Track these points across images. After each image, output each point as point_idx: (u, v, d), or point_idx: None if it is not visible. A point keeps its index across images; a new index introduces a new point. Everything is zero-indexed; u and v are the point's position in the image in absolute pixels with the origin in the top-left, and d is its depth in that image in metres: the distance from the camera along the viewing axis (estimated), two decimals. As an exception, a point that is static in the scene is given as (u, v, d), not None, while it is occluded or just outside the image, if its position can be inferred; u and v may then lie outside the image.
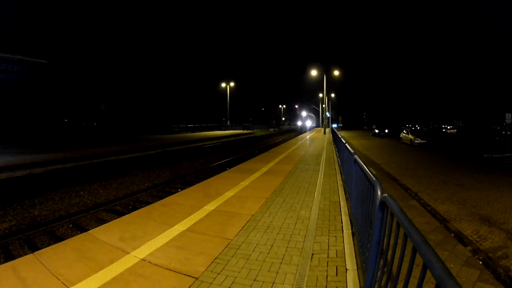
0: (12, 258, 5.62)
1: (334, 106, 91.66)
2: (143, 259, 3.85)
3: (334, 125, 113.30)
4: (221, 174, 10.42)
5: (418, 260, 1.56)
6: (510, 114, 21.45)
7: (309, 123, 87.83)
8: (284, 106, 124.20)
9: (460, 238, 6.11)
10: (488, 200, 8.89)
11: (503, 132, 24.23)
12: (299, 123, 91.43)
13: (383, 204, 2.50)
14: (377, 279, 2.58)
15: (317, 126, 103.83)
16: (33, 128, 31.21)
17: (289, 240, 4.50)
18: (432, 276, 1.30)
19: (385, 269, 2.46)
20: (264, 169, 10.88)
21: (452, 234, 6.34)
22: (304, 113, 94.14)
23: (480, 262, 5.06)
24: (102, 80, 70.08)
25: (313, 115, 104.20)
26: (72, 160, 14.84)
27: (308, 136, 34.07)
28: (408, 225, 1.81)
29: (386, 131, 49.08)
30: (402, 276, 1.91)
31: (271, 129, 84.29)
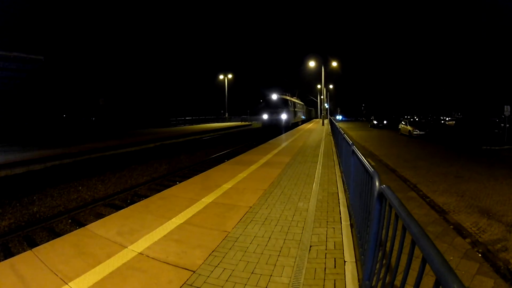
0: (12, 255, 5.60)
1: (333, 97, 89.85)
2: (140, 253, 3.83)
3: (339, 117, 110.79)
4: (219, 166, 10.39)
5: (418, 252, 1.54)
6: (509, 107, 21.43)
7: (285, 116, 37.81)
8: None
9: (459, 230, 6.10)
10: (487, 192, 8.88)
11: (502, 125, 24.17)
12: (265, 116, 38.51)
13: (381, 195, 2.47)
14: (376, 271, 2.56)
15: (311, 118, 79.11)
16: (31, 125, 31.17)
17: (287, 232, 4.48)
18: (431, 270, 1.27)
19: (384, 262, 2.44)
20: (262, 161, 10.86)
21: (451, 226, 6.33)
22: (274, 96, 39.28)
23: (480, 255, 5.06)
24: (99, 75, 69.86)
25: (300, 102, 53.42)
26: (71, 156, 14.79)
27: (305, 128, 33.99)
28: (407, 217, 1.78)
29: (385, 122, 49.24)
30: (401, 269, 1.89)
31: (269, 121, 77.32)
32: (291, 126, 36.30)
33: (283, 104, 36.59)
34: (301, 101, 59.84)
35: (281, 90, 40.18)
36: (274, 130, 32.67)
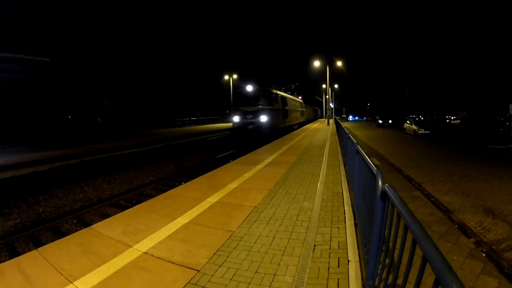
0: (17, 255, 5.65)
1: (338, 96, 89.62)
2: (145, 253, 3.86)
3: (350, 117, 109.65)
4: (224, 166, 10.40)
5: (420, 251, 1.55)
6: (514, 105, 21.29)
7: (266, 118, 21.59)
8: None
9: (464, 230, 6.08)
10: (492, 191, 8.83)
11: (507, 123, 24.09)
12: (236, 118, 22.67)
13: (384, 194, 2.48)
14: (379, 271, 2.57)
15: (317, 118, 74.73)
16: (37, 126, 31.31)
17: (292, 232, 4.49)
18: (431, 269, 1.28)
19: (387, 261, 2.45)
20: (267, 161, 10.87)
21: (456, 226, 6.31)
22: (249, 88, 23.18)
23: (484, 255, 5.04)
24: (104, 76, 70.05)
25: (295, 99, 38.11)
26: (76, 156, 14.87)
27: (310, 128, 33.89)
28: (408, 217, 1.79)
29: (390, 121, 49.06)
30: (403, 267, 1.90)
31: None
32: (277, 132, 23.35)
33: (265, 99, 22.57)
34: (299, 97, 46.19)
35: (271, 83, 26.56)
36: (249, 140, 21.67)
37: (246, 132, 21.81)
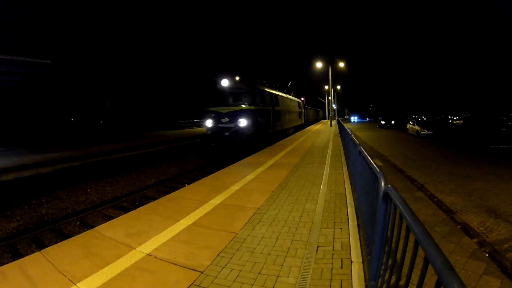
0: (20, 256, 5.66)
1: (340, 98, 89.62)
2: (148, 254, 3.87)
3: (355, 118, 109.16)
4: (227, 168, 10.40)
5: (422, 252, 1.55)
6: (517, 105, 21.20)
7: (245, 122, 16.03)
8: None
9: (467, 230, 6.06)
10: (495, 191, 8.80)
11: (510, 123, 24.00)
12: (209, 122, 16.91)
13: (387, 195, 2.48)
14: (381, 272, 2.57)
15: (319, 119, 72.71)
16: (39, 128, 31.41)
17: (295, 233, 4.49)
18: (433, 269, 1.29)
19: (389, 262, 2.45)
20: (270, 162, 10.87)
21: (459, 226, 6.29)
22: (225, 83, 17.09)
23: (487, 255, 5.01)
24: (106, 78, 70.06)
25: (292, 98, 30.52)
26: (79, 159, 14.87)
27: (313, 129, 33.79)
28: (410, 217, 1.79)
29: (393, 122, 48.83)
30: (406, 268, 1.90)
31: (275, 122, 70.60)
32: (265, 139, 19.08)
33: (247, 98, 17.34)
34: (302, 99, 41.41)
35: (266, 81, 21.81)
36: (225, 150, 17.54)
37: (221, 140, 17.05)
